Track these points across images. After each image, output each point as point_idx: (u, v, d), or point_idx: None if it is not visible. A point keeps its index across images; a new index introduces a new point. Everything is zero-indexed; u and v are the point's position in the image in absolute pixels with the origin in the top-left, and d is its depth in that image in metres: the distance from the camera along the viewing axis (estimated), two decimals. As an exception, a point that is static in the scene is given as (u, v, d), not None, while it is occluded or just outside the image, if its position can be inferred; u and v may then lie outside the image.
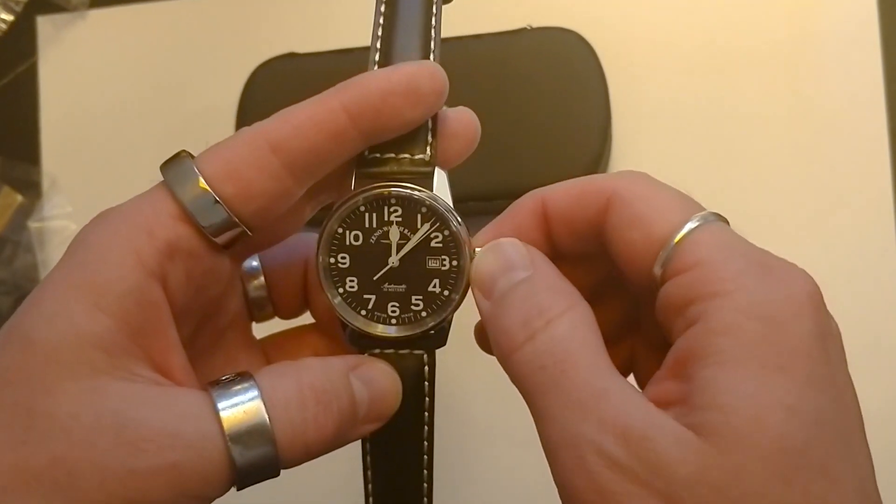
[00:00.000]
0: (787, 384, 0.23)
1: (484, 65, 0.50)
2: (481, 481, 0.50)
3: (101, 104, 0.59)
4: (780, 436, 0.22)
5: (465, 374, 0.49)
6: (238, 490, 0.26)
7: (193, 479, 0.24)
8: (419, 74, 0.27)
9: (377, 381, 0.28)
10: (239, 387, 0.26)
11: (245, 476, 0.25)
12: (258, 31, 0.57)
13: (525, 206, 0.29)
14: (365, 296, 0.29)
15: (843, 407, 0.24)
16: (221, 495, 0.25)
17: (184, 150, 0.27)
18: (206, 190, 0.26)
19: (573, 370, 0.25)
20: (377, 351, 0.29)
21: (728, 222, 0.27)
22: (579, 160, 0.48)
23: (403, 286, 0.29)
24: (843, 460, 0.23)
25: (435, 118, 0.29)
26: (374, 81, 0.27)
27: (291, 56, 0.53)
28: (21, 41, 0.60)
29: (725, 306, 0.24)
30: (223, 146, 0.27)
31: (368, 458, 0.30)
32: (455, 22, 0.54)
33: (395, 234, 0.28)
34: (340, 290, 0.29)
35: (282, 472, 0.27)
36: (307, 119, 0.27)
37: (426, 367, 0.30)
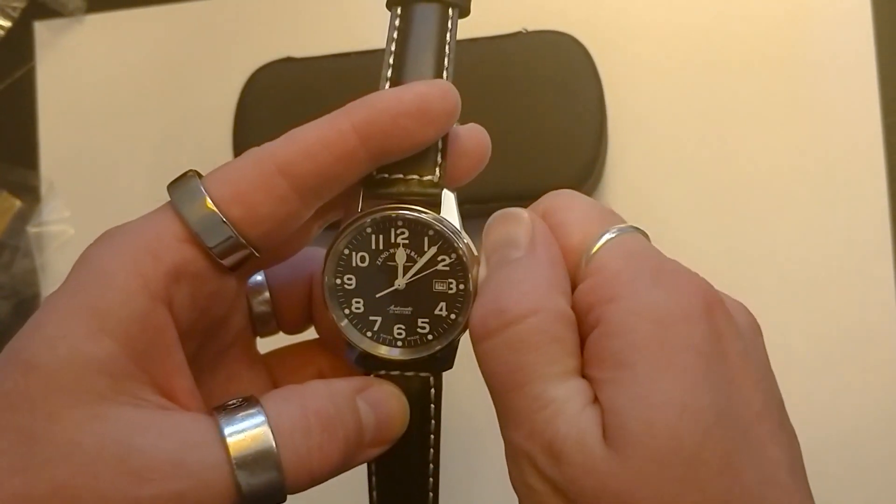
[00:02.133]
0: (679, 383, 0.23)
1: (480, 68, 0.50)
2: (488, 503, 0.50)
3: (98, 109, 0.59)
4: (673, 436, 0.22)
5: (471, 395, 0.49)
6: None
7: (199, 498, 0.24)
8: (430, 95, 0.27)
9: (384, 403, 0.28)
10: (245, 412, 0.25)
11: (250, 493, 0.25)
12: (255, 36, 0.58)
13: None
14: (371, 317, 0.29)
15: (744, 402, 0.24)
16: None
17: (191, 170, 0.27)
18: (214, 211, 0.26)
19: (522, 376, 0.25)
20: (383, 372, 0.29)
21: (647, 235, 0.28)
22: (575, 163, 0.49)
23: (410, 308, 0.28)
24: (746, 454, 0.23)
25: (445, 138, 0.28)
26: (385, 102, 0.26)
27: (288, 60, 0.54)
28: (18, 46, 0.60)
29: (619, 309, 0.24)
30: (231, 167, 0.27)
31: (374, 479, 0.30)
32: (451, 25, 0.55)
33: (401, 256, 0.28)
34: (346, 312, 0.29)
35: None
36: (316, 141, 0.26)
37: (432, 390, 0.29)
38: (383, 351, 0.29)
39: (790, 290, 0.50)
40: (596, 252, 0.26)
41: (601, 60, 0.50)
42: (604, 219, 0.28)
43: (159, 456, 0.24)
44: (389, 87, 0.29)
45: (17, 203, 0.59)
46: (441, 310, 0.28)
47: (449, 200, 0.28)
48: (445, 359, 0.29)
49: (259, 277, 0.32)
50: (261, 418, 0.25)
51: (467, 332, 0.27)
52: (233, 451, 0.24)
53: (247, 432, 0.25)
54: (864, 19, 0.51)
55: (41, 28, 0.61)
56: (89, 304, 0.25)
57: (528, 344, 0.25)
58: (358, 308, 0.29)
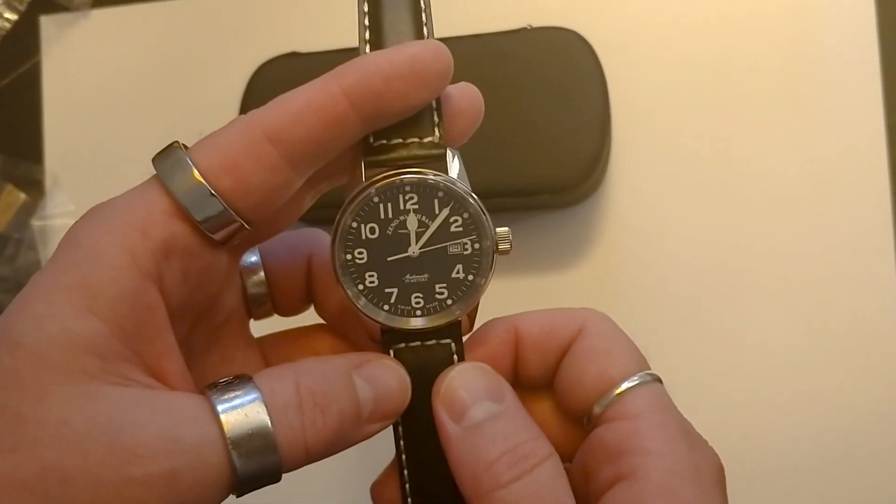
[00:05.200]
0: None
1: (484, 64, 0.50)
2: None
3: (103, 103, 0.60)
4: None
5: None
6: (238, 496, 0.25)
7: (192, 487, 0.23)
8: (423, 56, 0.26)
9: (382, 379, 0.28)
10: (238, 390, 0.25)
11: (246, 481, 0.24)
12: (260, 31, 0.58)
13: (496, 335, 0.29)
14: (386, 290, 0.28)
15: None
16: (222, 500, 0.25)
17: (176, 142, 0.26)
18: (202, 183, 0.25)
19: None
20: (402, 345, 0.29)
21: (661, 381, 0.29)
22: (578, 159, 0.49)
23: (426, 275, 0.28)
24: None
25: (440, 98, 0.27)
26: (376, 64, 0.25)
27: (294, 55, 0.54)
28: (24, 40, 0.61)
29: (661, 467, 0.26)
30: (217, 136, 0.26)
31: (402, 444, 0.30)
32: (455, 21, 0.55)
33: (412, 222, 0.27)
34: (360, 287, 0.28)
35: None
36: (305, 106, 0.25)
37: (455, 356, 0.29)
38: (403, 322, 0.28)
39: (792, 288, 0.50)
40: (625, 392, 0.27)
41: (605, 57, 0.50)
42: (638, 358, 0.29)
43: (151, 433, 0.23)
44: (370, 49, 0.28)
45: (22, 196, 0.59)
46: (458, 272, 0.28)
47: (455, 159, 0.28)
48: (465, 324, 0.29)
49: (254, 258, 0.31)
50: (254, 395, 0.25)
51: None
52: (227, 428, 0.24)
53: (240, 409, 0.24)
54: (867, 18, 0.51)
55: (47, 22, 0.61)
56: (77, 281, 0.24)
57: (557, 483, 0.26)
58: (372, 282, 0.28)
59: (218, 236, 0.26)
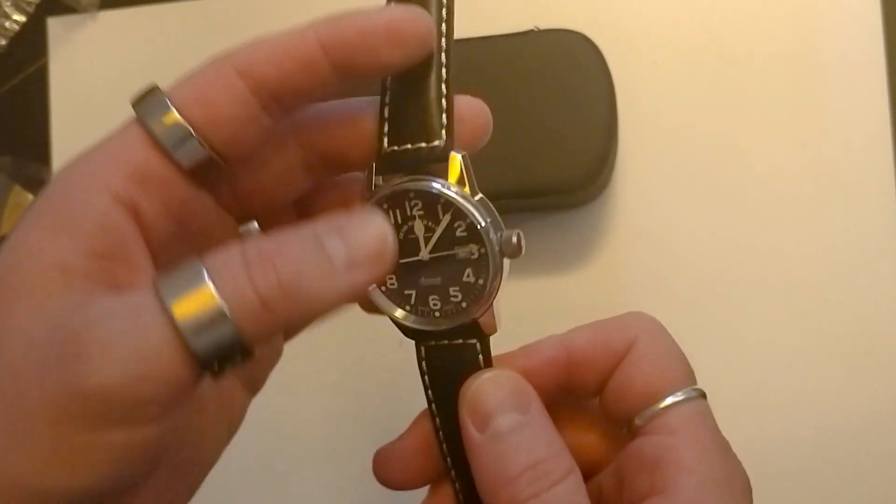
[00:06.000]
0: None
1: (492, 66, 0.50)
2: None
3: (111, 105, 0.59)
4: None
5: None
6: (214, 379, 0.23)
7: (133, 355, 0.22)
8: (401, 17, 0.26)
9: (352, 224, 0.25)
10: (181, 267, 0.23)
11: (206, 355, 0.22)
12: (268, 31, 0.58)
13: (545, 351, 0.30)
14: (406, 292, 0.29)
15: None
16: (185, 381, 0.23)
17: (155, 84, 0.27)
18: (175, 116, 0.25)
19: None
20: (433, 343, 0.29)
21: (706, 397, 0.29)
22: (585, 160, 0.49)
23: (438, 278, 0.28)
24: None
25: (450, 99, 0.28)
26: (354, 18, 0.26)
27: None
28: (32, 42, 0.61)
29: (695, 483, 0.26)
30: (192, 73, 0.26)
31: (448, 460, 0.30)
32: (463, 24, 0.55)
33: (419, 227, 0.28)
34: (382, 289, 0.29)
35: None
36: (277, 46, 0.26)
37: (480, 356, 0.29)
38: (423, 324, 0.29)
39: (798, 289, 0.50)
40: (670, 406, 0.28)
41: (612, 59, 0.50)
42: (687, 373, 0.29)
43: (89, 315, 0.22)
44: None
45: (30, 197, 0.59)
46: (468, 276, 0.28)
47: (458, 163, 0.27)
48: (487, 323, 0.29)
49: (254, 226, 0.30)
50: (195, 262, 0.23)
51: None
52: (164, 297, 0.22)
53: (179, 278, 0.23)
54: (873, 18, 0.51)
55: (55, 24, 0.61)
56: (49, 207, 0.25)
57: (576, 500, 0.27)
58: (392, 284, 0.29)
59: (189, 165, 0.26)
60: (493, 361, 0.29)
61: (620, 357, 0.29)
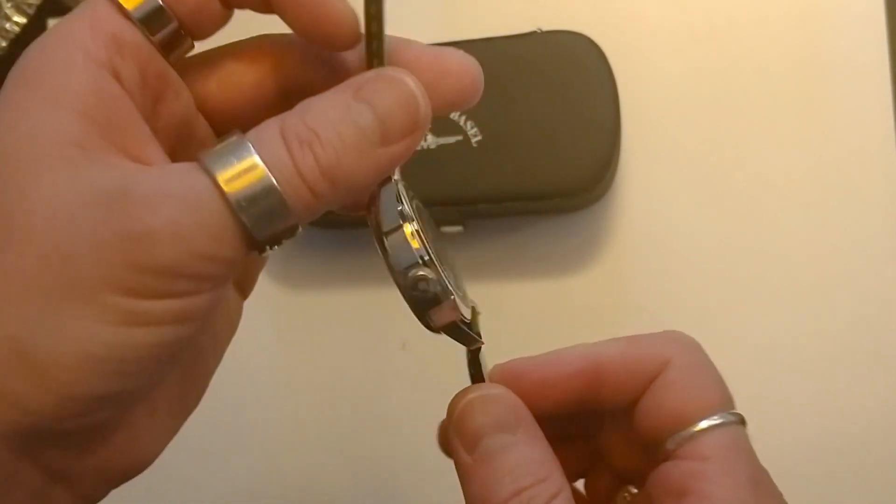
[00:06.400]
0: None
1: (495, 67, 0.50)
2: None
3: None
4: None
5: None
6: (261, 253, 0.24)
7: (198, 236, 0.22)
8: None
9: (379, 94, 0.25)
10: (224, 143, 0.24)
11: (257, 227, 0.23)
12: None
13: (572, 365, 0.29)
14: (469, 302, 0.29)
15: None
16: (241, 256, 0.23)
17: None
18: None
19: None
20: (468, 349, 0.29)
21: (745, 423, 0.28)
22: (589, 162, 0.49)
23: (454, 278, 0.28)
24: None
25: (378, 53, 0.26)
26: None
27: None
28: (33, 43, 0.61)
29: None
30: None
31: None
32: (466, 25, 0.55)
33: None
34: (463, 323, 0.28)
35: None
36: None
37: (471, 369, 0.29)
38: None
39: (803, 291, 0.50)
40: (704, 430, 0.27)
41: (616, 61, 0.50)
42: (724, 397, 0.28)
43: (144, 190, 0.22)
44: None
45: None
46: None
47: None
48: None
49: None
50: (241, 141, 0.23)
51: None
52: (215, 171, 0.23)
53: (227, 155, 0.23)
54: (877, 21, 0.51)
55: (56, 25, 0.61)
56: (37, 81, 0.23)
57: None
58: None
59: (158, 37, 0.26)
60: (510, 368, 0.29)
61: (652, 377, 0.28)
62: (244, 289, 0.32)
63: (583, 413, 0.30)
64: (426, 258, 0.26)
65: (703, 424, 0.27)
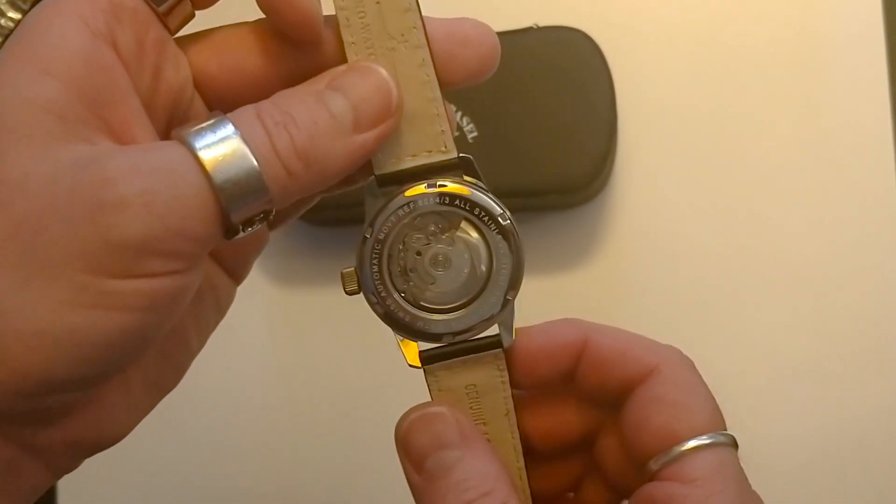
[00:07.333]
0: None
1: (491, 63, 0.50)
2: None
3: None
4: None
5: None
6: (234, 235, 0.24)
7: (173, 206, 0.22)
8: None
9: (352, 82, 0.25)
10: (201, 121, 0.24)
11: (231, 201, 0.23)
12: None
13: (564, 336, 0.29)
14: None
15: None
16: (214, 237, 0.23)
17: None
18: None
19: None
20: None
21: (737, 446, 0.27)
22: (586, 159, 0.49)
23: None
24: None
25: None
26: None
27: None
28: (28, 40, 0.60)
29: None
30: None
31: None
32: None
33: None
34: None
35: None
36: None
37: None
38: None
39: (802, 289, 0.50)
40: (687, 453, 0.26)
41: (612, 56, 0.50)
42: (711, 416, 0.27)
43: (118, 162, 0.22)
44: None
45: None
46: None
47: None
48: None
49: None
50: (223, 118, 0.23)
51: None
52: (191, 142, 0.23)
53: (204, 130, 0.23)
54: (874, 17, 0.51)
55: (50, 21, 0.60)
56: (28, 49, 0.23)
57: None
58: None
59: (162, 8, 0.26)
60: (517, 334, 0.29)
61: (634, 378, 0.28)
62: (237, 274, 0.31)
63: (581, 412, 0.30)
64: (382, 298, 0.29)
65: (691, 444, 0.26)
